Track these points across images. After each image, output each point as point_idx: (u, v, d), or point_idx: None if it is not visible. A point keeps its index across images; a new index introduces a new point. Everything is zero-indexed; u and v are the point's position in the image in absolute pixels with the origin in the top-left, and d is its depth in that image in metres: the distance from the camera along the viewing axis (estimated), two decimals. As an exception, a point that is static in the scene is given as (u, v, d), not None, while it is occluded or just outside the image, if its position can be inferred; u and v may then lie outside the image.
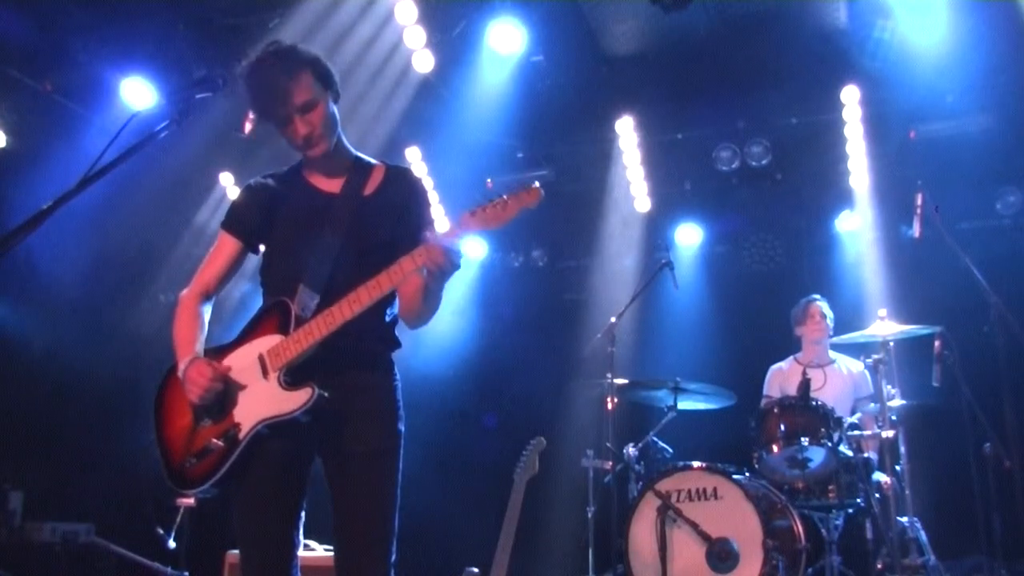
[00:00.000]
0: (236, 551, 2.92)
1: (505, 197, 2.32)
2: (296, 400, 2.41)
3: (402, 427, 2.63)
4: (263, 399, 2.45)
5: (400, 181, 2.74)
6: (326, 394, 2.41)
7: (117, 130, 2.44)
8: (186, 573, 5.44)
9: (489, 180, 7.59)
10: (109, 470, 5.99)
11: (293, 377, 2.45)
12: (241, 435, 2.44)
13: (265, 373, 2.48)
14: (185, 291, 2.72)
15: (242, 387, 2.49)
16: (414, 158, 6.85)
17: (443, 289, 2.53)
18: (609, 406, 5.15)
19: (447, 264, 2.37)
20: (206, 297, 2.72)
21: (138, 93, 5.82)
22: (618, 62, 6.31)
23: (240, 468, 2.46)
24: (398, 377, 2.68)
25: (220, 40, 5.73)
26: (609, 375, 5.19)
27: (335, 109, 2.66)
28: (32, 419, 6.08)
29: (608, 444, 5.11)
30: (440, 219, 7.48)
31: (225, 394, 2.49)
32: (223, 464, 2.44)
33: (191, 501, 2.50)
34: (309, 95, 2.55)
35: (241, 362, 2.52)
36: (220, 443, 2.45)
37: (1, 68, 5.74)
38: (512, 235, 8.10)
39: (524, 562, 4.54)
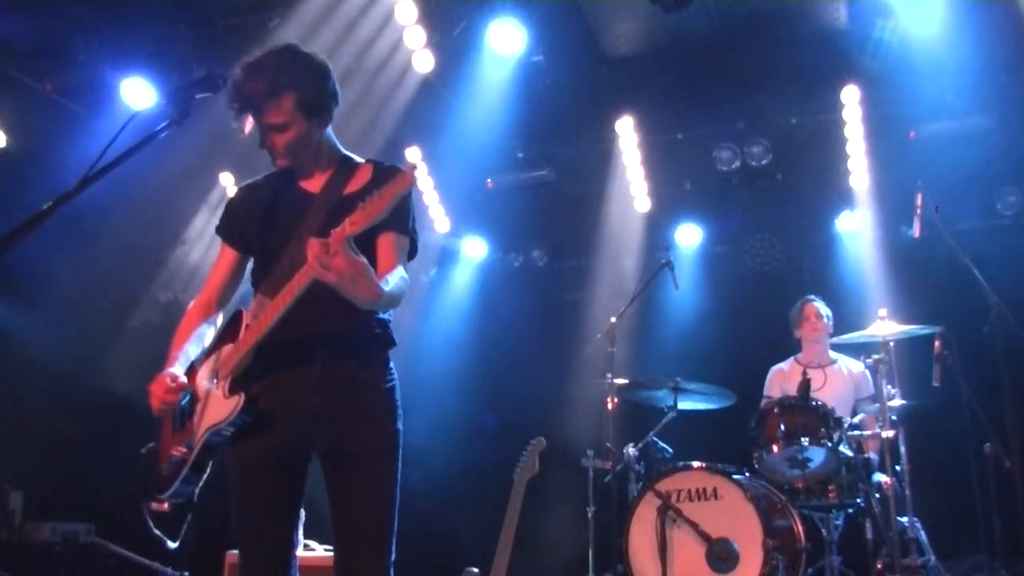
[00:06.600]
0: (236, 551, 2.92)
1: (381, 189, 2.19)
2: (228, 407, 2.45)
3: (400, 426, 2.61)
4: (213, 407, 2.51)
5: (386, 179, 2.61)
6: (248, 418, 2.44)
7: (117, 130, 2.44)
8: (186, 573, 5.44)
9: (489, 180, 7.59)
10: (109, 470, 5.98)
11: (236, 385, 2.48)
12: (195, 442, 2.52)
13: (217, 382, 2.53)
14: (191, 303, 2.76)
15: (205, 396, 2.56)
16: (414, 158, 6.85)
17: (356, 294, 2.23)
18: (609, 406, 5.15)
19: (317, 271, 2.18)
20: (210, 308, 2.73)
21: (138, 93, 5.81)
22: (618, 62, 6.29)
23: (198, 474, 2.55)
24: (395, 376, 2.66)
25: (220, 40, 5.72)
26: (609, 375, 5.18)
27: (315, 131, 2.60)
28: (32, 419, 6.08)
29: (608, 444, 5.10)
30: (439, 219, 7.56)
31: (193, 403, 2.57)
32: (182, 470, 2.53)
33: (165, 507, 2.56)
34: (281, 119, 2.52)
35: (206, 371, 2.60)
36: (184, 449, 2.54)
37: (1, 68, 5.74)
38: (512, 235, 8.11)
39: (524, 562, 4.53)
